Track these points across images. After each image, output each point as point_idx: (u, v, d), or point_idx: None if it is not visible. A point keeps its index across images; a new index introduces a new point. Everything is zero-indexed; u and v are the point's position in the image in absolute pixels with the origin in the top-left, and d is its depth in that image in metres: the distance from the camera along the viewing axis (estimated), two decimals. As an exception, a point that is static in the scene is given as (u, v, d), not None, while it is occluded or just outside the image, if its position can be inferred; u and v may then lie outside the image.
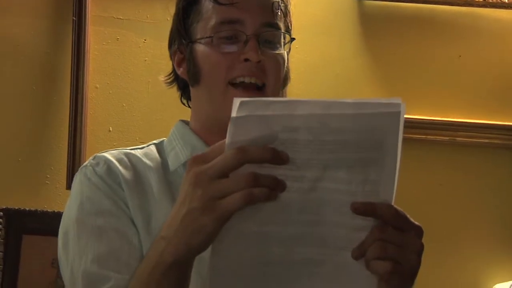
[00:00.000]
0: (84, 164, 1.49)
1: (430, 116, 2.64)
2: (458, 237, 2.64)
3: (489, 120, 2.67)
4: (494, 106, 2.68)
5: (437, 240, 2.52)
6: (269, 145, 1.06)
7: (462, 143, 2.66)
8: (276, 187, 1.06)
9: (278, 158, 1.05)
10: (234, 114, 1.05)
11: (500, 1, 2.67)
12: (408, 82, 2.68)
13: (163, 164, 1.49)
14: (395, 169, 1.08)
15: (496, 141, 2.66)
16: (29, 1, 2.63)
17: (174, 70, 1.57)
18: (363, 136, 1.06)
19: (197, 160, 1.09)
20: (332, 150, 1.06)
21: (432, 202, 2.62)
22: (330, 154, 1.06)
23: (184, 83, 1.55)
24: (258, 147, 1.05)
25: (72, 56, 2.59)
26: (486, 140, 2.66)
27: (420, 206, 2.56)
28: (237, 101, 1.05)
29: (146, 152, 1.51)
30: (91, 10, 2.62)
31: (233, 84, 1.45)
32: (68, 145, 2.57)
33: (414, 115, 2.59)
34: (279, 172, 1.06)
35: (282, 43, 1.49)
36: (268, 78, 1.45)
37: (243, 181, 1.05)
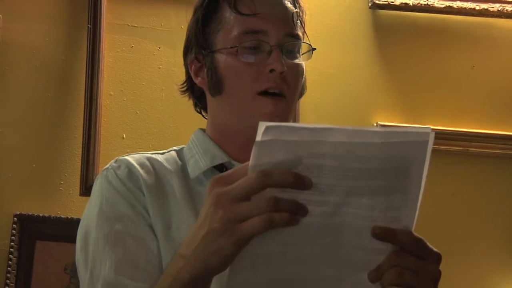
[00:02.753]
0: (106, 166, 1.48)
1: (444, 126, 2.64)
2: (470, 247, 2.63)
3: (503, 130, 2.67)
4: (508, 117, 2.68)
5: (449, 250, 2.51)
6: (293, 169, 1.04)
7: (475, 153, 2.66)
8: (297, 212, 1.05)
9: (302, 183, 1.05)
10: (259, 138, 1.04)
11: (514, 12, 2.67)
12: (422, 92, 2.68)
13: (184, 170, 1.49)
14: (419, 196, 1.07)
15: (509, 152, 2.66)
16: (45, 8, 2.65)
17: (188, 79, 1.56)
18: (389, 164, 1.05)
19: (219, 181, 1.08)
20: (357, 177, 1.05)
21: (445, 211, 2.62)
22: (355, 181, 1.05)
23: (200, 92, 1.54)
24: (282, 171, 1.04)
25: (86, 63, 2.60)
26: (500, 151, 2.66)
27: (432, 216, 2.56)
28: (262, 125, 1.04)
29: (167, 157, 1.51)
30: (106, 17, 2.63)
31: (259, 93, 1.44)
32: (82, 151, 2.58)
33: (427, 125, 2.59)
34: (301, 196, 1.05)
35: (301, 53, 1.50)
36: (289, 88, 1.46)
37: (264, 205, 1.04)
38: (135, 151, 2.57)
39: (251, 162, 1.06)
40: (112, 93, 2.64)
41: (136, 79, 2.65)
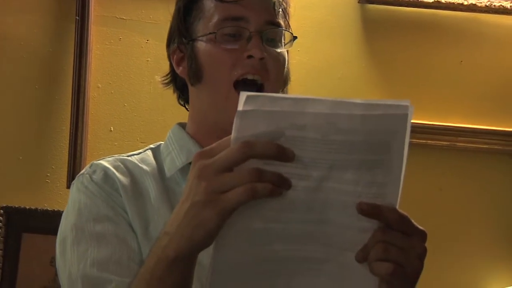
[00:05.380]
0: (81, 172, 1.48)
1: (431, 121, 2.64)
2: (457, 242, 2.64)
3: (490, 125, 2.67)
4: (495, 112, 2.69)
5: (436, 245, 2.51)
6: (275, 141, 1.04)
7: (462, 148, 2.66)
8: (280, 184, 1.05)
9: (284, 154, 1.05)
10: (240, 108, 1.04)
11: (502, 7, 2.67)
12: (410, 86, 2.68)
13: (160, 169, 1.48)
14: (401, 172, 1.07)
15: (496, 147, 2.67)
16: (33, -1, 2.64)
17: (172, 70, 1.56)
18: (370, 138, 1.05)
19: (203, 154, 1.08)
20: (339, 150, 1.05)
21: (432, 206, 2.62)
22: (337, 154, 1.05)
23: (183, 83, 1.54)
24: (264, 142, 1.04)
25: (74, 55, 2.59)
26: (486, 146, 2.67)
27: (419, 210, 2.55)
28: (243, 95, 1.04)
29: (142, 157, 1.51)
30: (94, 10, 2.63)
31: (236, 86, 1.44)
32: (69, 144, 2.57)
33: (415, 119, 2.57)
34: (285, 169, 1.05)
35: (283, 42, 1.49)
36: (269, 76, 1.45)
37: (247, 176, 1.04)
38: (123, 143, 2.58)
39: (233, 134, 1.06)
40: (100, 85, 2.64)
41: (124, 71, 2.64)
